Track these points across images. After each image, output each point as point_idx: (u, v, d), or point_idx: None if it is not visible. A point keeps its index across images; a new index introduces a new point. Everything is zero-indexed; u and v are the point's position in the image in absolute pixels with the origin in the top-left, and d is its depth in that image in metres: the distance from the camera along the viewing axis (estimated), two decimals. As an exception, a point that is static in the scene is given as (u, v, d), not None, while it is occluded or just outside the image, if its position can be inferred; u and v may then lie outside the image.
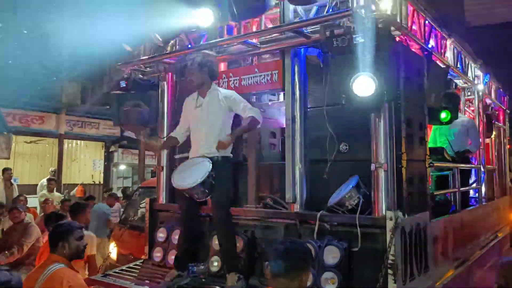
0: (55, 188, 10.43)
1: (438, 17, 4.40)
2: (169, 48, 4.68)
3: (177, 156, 4.54)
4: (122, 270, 4.45)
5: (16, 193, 9.65)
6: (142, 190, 7.59)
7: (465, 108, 6.48)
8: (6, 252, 5.68)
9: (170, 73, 4.77)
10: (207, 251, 3.97)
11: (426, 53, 4.13)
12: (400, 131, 3.53)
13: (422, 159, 3.95)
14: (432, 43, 4.46)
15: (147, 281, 4.00)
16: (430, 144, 5.00)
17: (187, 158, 3.95)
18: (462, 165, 5.33)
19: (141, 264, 4.53)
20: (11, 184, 10.19)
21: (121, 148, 16.18)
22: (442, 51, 4.75)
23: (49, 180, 10.53)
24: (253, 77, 4.25)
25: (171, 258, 4.11)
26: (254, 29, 4.35)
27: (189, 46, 4.50)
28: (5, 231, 6.60)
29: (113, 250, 6.40)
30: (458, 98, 5.83)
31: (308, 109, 3.98)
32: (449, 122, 4.83)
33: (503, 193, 7.49)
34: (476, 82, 6.21)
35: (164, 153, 4.68)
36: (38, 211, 9.34)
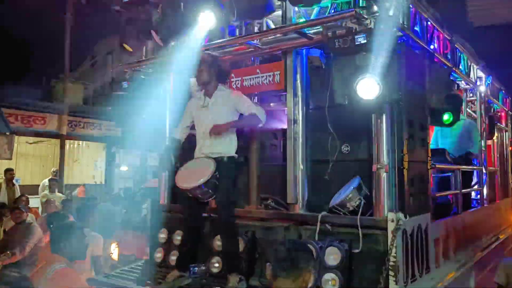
0: (56, 189, 10.43)
1: (440, 18, 4.39)
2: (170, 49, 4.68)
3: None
4: (123, 270, 4.46)
5: (18, 194, 9.66)
6: (144, 191, 7.60)
7: (467, 109, 6.46)
8: (8, 252, 5.68)
9: (171, 74, 4.77)
10: (207, 251, 3.97)
11: (428, 54, 4.12)
12: (401, 132, 3.53)
13: (423, 161, 3.95)
14: (434, 44, 4.45)
15: (148, 282, 4.00)
16: (431, 146, 4.99)
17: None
18: (464, 167, 5.32)
19: (142, 264, 4.53)
20: (13, 184, 10.20)
21: (123, 149, 16.17)
22: (444, 52, 4.74)
23: (51, 180, 10.53)
24: (255, 78, 4.25)
25: (172, 258, 4.11)
26: (256, 30, 4.35)
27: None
28: (7, 231, 6.61)
29: (114, 251, 6.41)
30: (460, 99, 5.82)
31: (310, 110, 3.99)
32: (452, 124, 4.82)
33: (505, 195, 7.47)
34: (478, 83, 6.20)
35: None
36: (40, 211, 9.34)
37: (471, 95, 6.41)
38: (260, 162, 4.30)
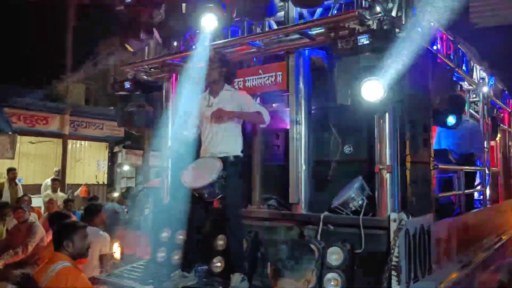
0: (59, 188, 10.46)
1: (443, 18, 4.39)
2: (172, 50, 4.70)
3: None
4: (126, 269, 4.46)
5: (20, 193, 9.69)
6: (147, 190, 7.60)
7: (470, 110, 6.45)
8: (11, 251, 5.70)
9: (174, 74, 4.78)
10: (209, 251, 3.97)
11: (431, 55, 4.12)
12: (404, 132, 3.53)
13: (426, 161, 3.94)
14: (437, 44, 4.44)
15: (150, 281, 4.00)
16: (434, 146, 4.98)
17: None
18: (467, 167, 5.32)
19: (145, 264, 4.53)
20: (16, 184, 10.23)
21: (125, 148, 16.20)
22: (447, 53, 4.73)
23: (53, 180, 10.56)
24: (257, 78, 4.26)
25: (175, 258, 4.11)
26: (259, 31, 4.35)
27: (194, 47, 4.51)
28: (9, 231, 6.63)
29: (117, 250, 6.42)
30: (463, 100, 5.81)
31: (312, 111, 3.98)
32: (455, 126, 4.83)
33: (508, 196, 7.45)
34: (481, 84, 6.18)
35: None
36: (42, 211, 9.36)
37: (474, 95, 6.40)
38: (262, 162, 4.30)
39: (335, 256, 3.35)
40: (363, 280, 3.34)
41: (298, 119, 3.89)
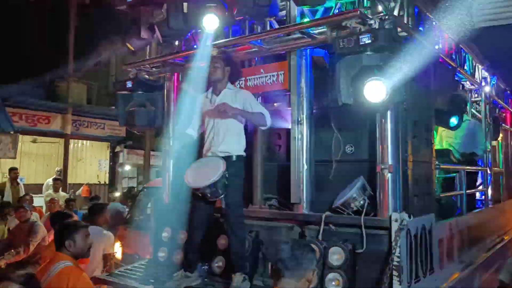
0: (60, 188, 10.47)
1: (445, 18, 4.38)
2: (174, 49, 4.70)
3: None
4: (127, 269, 4.46)
5: (22, 192, 9.71)
6: (147, 190, 7.61)
7: (472, 110, 6.44)
8: (12, 251, 5.70)
9: (175, 73, 4.78)
10: (211, 250, 3.97)
11: (433, 54, 4.11)
12: (406, 132, 3.53)
13: (428, 161, 3.94)
14: (439, 44, 4.44)
15: (152, 281, 4.00)
16: (436, 146, 4.97)
17: None
18: (468, 168, 5.31)
19: (145, 263, 4.53)
20: (18, 183, 10.25)
21: (127, 148, 16.23)
22: (449, 52, 4.72)
23: (55, 179, 10.57)
24: (259, 78, 4.25)
25: (176, 258, 4.11)
26: (260, 30, 4.34)
27: (195, 46, 4.51)
28: (11, 230, 6.64)
29: (118, 250, 6.42)
30: (465, 100, 5.80)
31: (314, 110, 3.98)
32: (457, 127, 4.82)
33: (510, 196, 7.44)
34: (483, 84, 6.18)
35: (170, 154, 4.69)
36: (44, 210, 9.38)
37: (476, 95, 6.39)
38: (263, 162, 4.30)
39: (336, 256, 3.34)
40: (365, 280, 3.33)
41: (299, 119, 3.88)
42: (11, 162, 11.50)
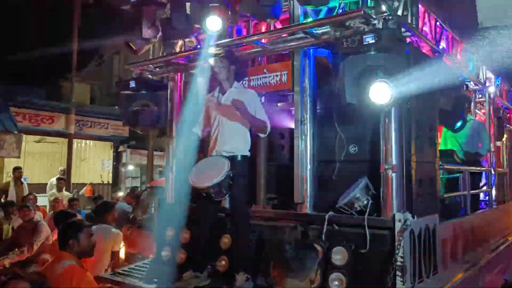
0: (64, 187, 10.50)
1: (449, 18, 4.37)
2: (178, 49, 4.70)
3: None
4: (130, 268, 4.47)
5: (26, 192, 9.73)
6: (150, 190, 7.62)
7: (476, 110, 6.42)
8: (16, 250, 5.73)
9: (179, 73, 4.79)
10: (214, 250, 3.96)
11: (437, 54, 4.10)
12: (410, 132, 3.51)
13: (432, 161, 3.92)
14: (443, 44, 4.42)
15: (155, 280, 4.01)
16: (440, 146, 4.96)
17: None
18: (473, 168, 5.29)
19: (149, 263, 4.54)
20: (21, 183, 10.27)
21: (130, 148, 16.26)
22: (453, 52, 4.71)
23: (58, 179, 10.60)
24: (263, 77, 4.25)
25: (180, 257, 4.11)
26: (263, 30, 4.35)
27: (198, 46, 4.52)
28: (15, 229, 6.67)
29: (121, 249, 6.44)
30: (469, 100, 5.79)
31: (317, 110, 3.97)
32: (461, 128, 4.81)
33: (514, 197, 7.41)
34: (487, 84, 6.15)
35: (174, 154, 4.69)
36: (47, 209, 9.41)
37: (480, 96, 6.37)
38: (267, 161, 4.30)
39: (339, 256, 3.34)
40: (368, 280, 3.32)
41: (303, 119, 3.88)
42: (15, 161, 11.54)
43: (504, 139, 7.07)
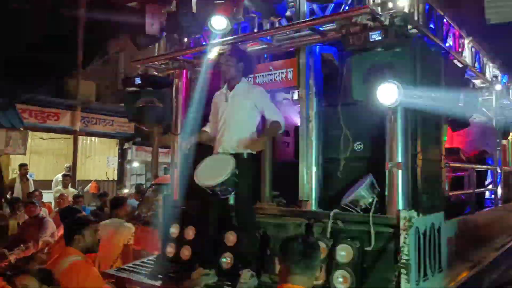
0: (69, 184, 10.55)
1: (456, 15, 4.34)
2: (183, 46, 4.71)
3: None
4: (135, 264, 4.49)
5: (31, 188, 9.80)
6: (155, 187, 7.65)
7: (482, 108, 6.38)
8: (22, 246, 5.76)
9: (184, 70, 4.79)
10: (219, 247, 3.97)
11: (443, 52, 4.08)
12: (416, 130, 3.50)
13: (437, 159, 3.91)
14: (449, 42, 4.40)
15: (160, 276, 4.02)
16: (446, 144, 4.94)
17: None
18: (478, 166, 5.27)
19: (154, 259, 4.56)
20: (27, 179, 10.35)
21: (135, 145, 16.30)
22: (459, 50, 4.68)
23: (64, 176, 10.66)
24: (268, 75, 4.25)
25: (185, 254, 4.12)
26: (269, 27, 4.34)
27: (204, 43, 4.52)
28: (21, 225, 6.71)
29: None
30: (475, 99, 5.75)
31: (323, 108, 3.97)
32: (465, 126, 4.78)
33: (520, 195, 7.37)
34: (494, 82, 6.11)
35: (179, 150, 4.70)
36: (53, 206, 9.47)
37: (486, 93, 6.32)
38: (272, 159, 4.29)
39: (344, 253, 3.34)
40: (373, 278, 3.32)
41: (308, 116, 3.87)
42: (21, 158, 11.60)
43: (510, 137, 7.02)
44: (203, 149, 4.04)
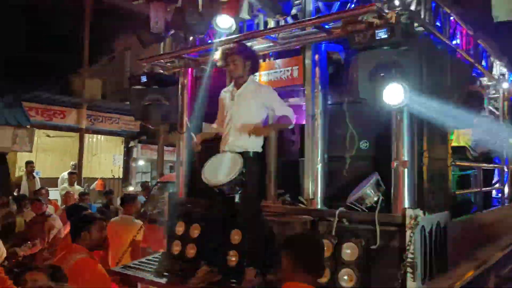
0: (75, 182, 10.60)
1: (463, 12, 4.32)
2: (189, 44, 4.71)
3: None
4: (141, 262, 4.50)
5: (38, 186, 9.86)
6: (161, 184, 7.68)
7: (489, 107, 6.34)
8: (29, 243, 5.80)
9: (190, 68, 4.79)
10: (225, 245, 3.97)
11: (450, 50, 4.05)
12: (422, 128, 3.48)
13: (444, 158, 3.89)
14: (456, 39, 4.37)
15: (165, 274, 4.03)
16: (452, 143, 4.91)
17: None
18: (485, 165, 5.24)
19: (160, 257, 4.57)
20: (33, 177, 10.41)
21: (141, 143, 16.36)
22: (466, 48, 4.65)
23: (70, 173, 10.71)
24: (274, 72, 4.24)
25: (190, 252, 4.13)
26: (275, 24, 4.33)
27: (210, 41, 4.52)
28: (27, 222, 6.75)
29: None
30: (481, 97, 5.72)
31: (329, 106, 3.96)
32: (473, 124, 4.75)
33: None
34: (501, 80, 6.07)
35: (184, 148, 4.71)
36: (59, 203, 9.52)
37: (493, 92, 6.28)
38: (277, 157, 4.29)
39: (349, 251, 3.33)
40: (378, 277, 3.31)
41: (314, 114, 3.86)
42: (27, 156, 11.67)
43: (517, 136, 6.97)
44: (209, 148, 4.04)
